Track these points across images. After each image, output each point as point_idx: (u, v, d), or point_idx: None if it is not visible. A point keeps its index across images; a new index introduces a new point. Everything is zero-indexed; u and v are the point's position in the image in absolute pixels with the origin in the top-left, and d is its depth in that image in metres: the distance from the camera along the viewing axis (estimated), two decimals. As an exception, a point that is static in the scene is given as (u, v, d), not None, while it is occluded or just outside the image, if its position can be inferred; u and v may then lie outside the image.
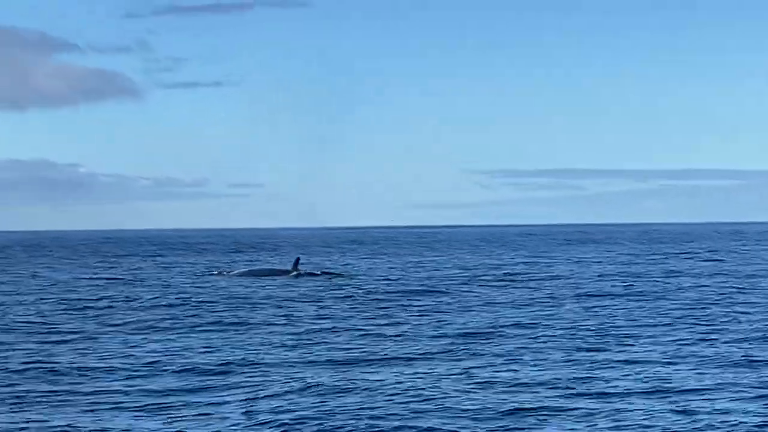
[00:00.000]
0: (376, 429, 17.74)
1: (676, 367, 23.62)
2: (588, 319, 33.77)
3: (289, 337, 29.82)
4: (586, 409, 19.01)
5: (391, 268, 69.44)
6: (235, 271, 61.65)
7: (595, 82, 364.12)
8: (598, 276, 56.49)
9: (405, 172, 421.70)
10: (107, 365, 24.64)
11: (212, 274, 61.02)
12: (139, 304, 40.69)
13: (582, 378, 22.07)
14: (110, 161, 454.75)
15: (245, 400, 20.22)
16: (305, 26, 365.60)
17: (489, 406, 19.29)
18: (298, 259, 62.14)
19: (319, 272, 60.08)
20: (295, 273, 57.50)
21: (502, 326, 31.76)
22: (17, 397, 20.86)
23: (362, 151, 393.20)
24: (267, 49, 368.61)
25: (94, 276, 61.89)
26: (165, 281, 55.92)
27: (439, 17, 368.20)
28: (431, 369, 23.64)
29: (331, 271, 63.03)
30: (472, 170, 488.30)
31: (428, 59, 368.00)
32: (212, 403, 19.97)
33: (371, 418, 18.44)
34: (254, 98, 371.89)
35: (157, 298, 43.67)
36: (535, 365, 23.98)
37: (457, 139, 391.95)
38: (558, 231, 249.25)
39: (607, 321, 33.31)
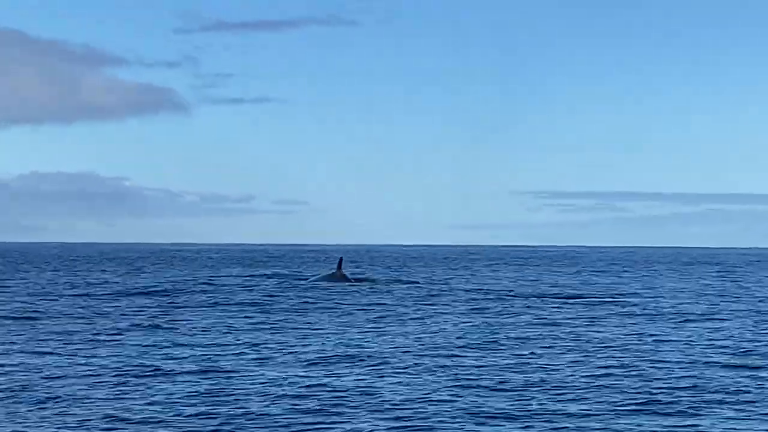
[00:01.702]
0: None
1: None
2: None
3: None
4: None
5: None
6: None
7: (641, 104, 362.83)
8: None
9: (450, 192, 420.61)
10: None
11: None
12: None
13: None
14: (156, 176, 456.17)
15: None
16: (353, 45, 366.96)
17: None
18: (341, 259, 69.43)
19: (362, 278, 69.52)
20: (339, 275, 65.60)
21: None
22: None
23: (407, 170, 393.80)
24: (314, 66, 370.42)
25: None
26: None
27: (486, 38, 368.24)
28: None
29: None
30: (518, 191, 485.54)
31: (475, 77, 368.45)
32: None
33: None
34: (301, 115, 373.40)
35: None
36: None
37: (502, 159, 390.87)
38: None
39: None
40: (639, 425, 19.29)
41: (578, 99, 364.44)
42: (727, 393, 22.88)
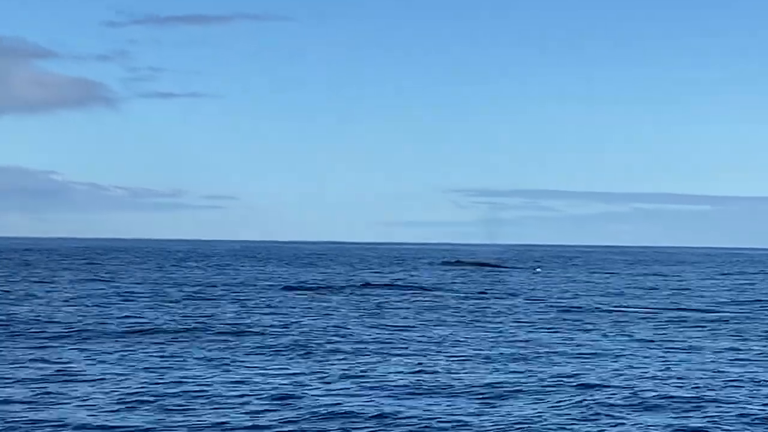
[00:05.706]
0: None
1: None
2: None
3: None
4: None
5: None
6: None
7: (571, 105, 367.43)
8: None
9: (378, 189, 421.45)
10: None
11: None
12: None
13: None
14: (85, 169, 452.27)
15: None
16: (285, 39, 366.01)
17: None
18: None
19: None
20: None
21: None
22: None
23: (337, 167, 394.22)
24: (246, 61, 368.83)
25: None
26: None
27: (420, 35, 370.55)
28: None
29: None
30: (446, 189, 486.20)
31: (406, 76, 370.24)
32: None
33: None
34: (232, 110, 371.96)
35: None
36: None
37: (431, 157, 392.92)
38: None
39: None
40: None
41: (507, 98, 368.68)
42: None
